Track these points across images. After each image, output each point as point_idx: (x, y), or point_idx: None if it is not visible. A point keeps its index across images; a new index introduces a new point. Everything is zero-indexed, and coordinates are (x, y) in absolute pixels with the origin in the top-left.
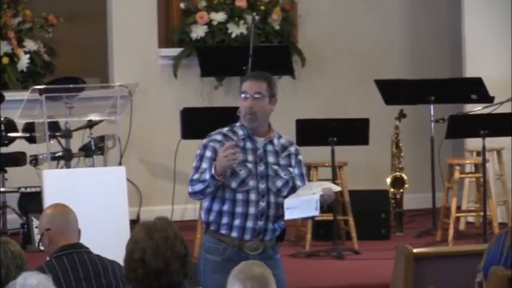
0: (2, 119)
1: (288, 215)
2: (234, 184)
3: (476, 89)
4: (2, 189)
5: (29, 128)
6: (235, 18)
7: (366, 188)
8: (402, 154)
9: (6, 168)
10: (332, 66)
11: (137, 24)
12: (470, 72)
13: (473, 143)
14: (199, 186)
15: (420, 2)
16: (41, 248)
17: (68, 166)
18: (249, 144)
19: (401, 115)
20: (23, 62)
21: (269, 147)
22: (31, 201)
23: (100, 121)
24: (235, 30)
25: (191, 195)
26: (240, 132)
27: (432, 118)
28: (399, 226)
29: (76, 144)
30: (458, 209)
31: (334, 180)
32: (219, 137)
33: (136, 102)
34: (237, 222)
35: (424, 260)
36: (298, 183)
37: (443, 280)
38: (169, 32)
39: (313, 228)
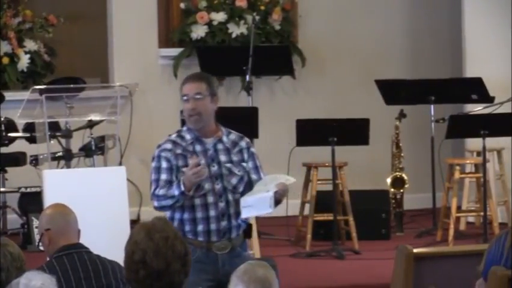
0: (2, 119)
1: (244, 214)
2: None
3: (476, 89)
4: (2, 189)
5: (29, 128)
6: (236, 18)
7: (366, 188)
8: (402, 154)
9: (7, 168)
10: (332, 66)
11: (137, 24)
12: (470, 72)
13: (474, 143)
14: (167, 202)
15: (420, 2)
16: (41, 248)
17: (68, 166)
18: (198, 147)
19: (401, 115)
20: (23, 62)
21: (219, 146)
22: (31, 201)
23: (100, 121)
24: (236, 30)
25: (157, 209)
26: (188, 137)
27: (432, 118)
28: (400, 226)
29: (76, 144)
30: (459, 209)
31: (334, 180)
32: (168, 146)
33: (136, 102)
34: (200, 227)
35: (424, 260)
36: (253, 176)
37: (444, 280)
38: (169, 32)
39: (314, 228)
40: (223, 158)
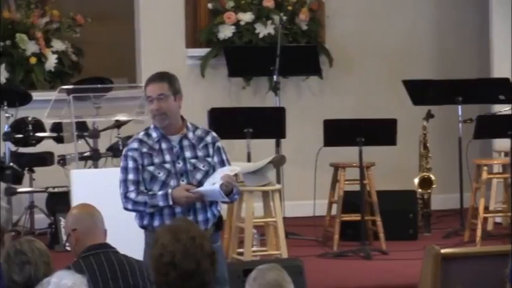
0: (29, 118)
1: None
2: (156, 188)
3: (504, 90)
4: (30, 189)
5: (57, 128)
6: (263, 19)
7: (393, 189)
8: (430, 154)
9: (34, 168)
10: (359, 66)
11: (165, 24)
12: (498, 72)
13: (501, 144)
14: (146, 209)
15: (447, 2)
16: (68, 248)
17: (95, 166)
18: (164, 145)
19: (429, 115)
20: (51, 62)
21: (185, 142)
22: (59, 201)
23: (128, 121)
24: (263, 30)
25: (130, 211)
26: (154, 135)
27: (460, 118)
28: (427, 226)
29: (103, 144)
30: (486, 209)
31: (362, 180)
32: (135, 145)
33: None
34: (168, 222)
35: (452, 260)
36: None
37: (471, 280)
38: (196, 32)
39: (341, 228)
40: (188, 154)
